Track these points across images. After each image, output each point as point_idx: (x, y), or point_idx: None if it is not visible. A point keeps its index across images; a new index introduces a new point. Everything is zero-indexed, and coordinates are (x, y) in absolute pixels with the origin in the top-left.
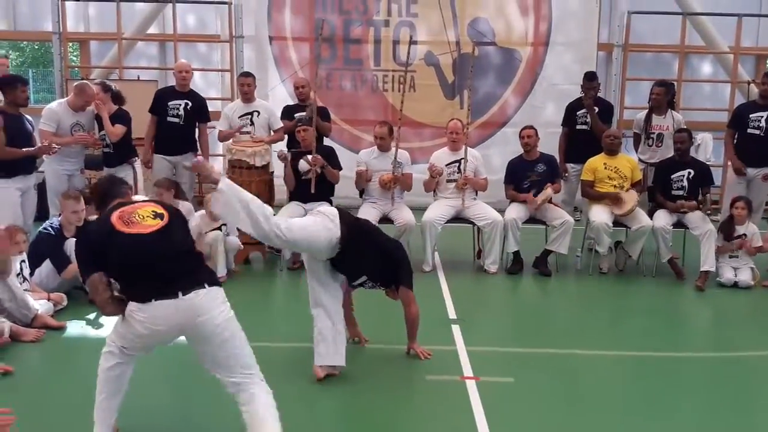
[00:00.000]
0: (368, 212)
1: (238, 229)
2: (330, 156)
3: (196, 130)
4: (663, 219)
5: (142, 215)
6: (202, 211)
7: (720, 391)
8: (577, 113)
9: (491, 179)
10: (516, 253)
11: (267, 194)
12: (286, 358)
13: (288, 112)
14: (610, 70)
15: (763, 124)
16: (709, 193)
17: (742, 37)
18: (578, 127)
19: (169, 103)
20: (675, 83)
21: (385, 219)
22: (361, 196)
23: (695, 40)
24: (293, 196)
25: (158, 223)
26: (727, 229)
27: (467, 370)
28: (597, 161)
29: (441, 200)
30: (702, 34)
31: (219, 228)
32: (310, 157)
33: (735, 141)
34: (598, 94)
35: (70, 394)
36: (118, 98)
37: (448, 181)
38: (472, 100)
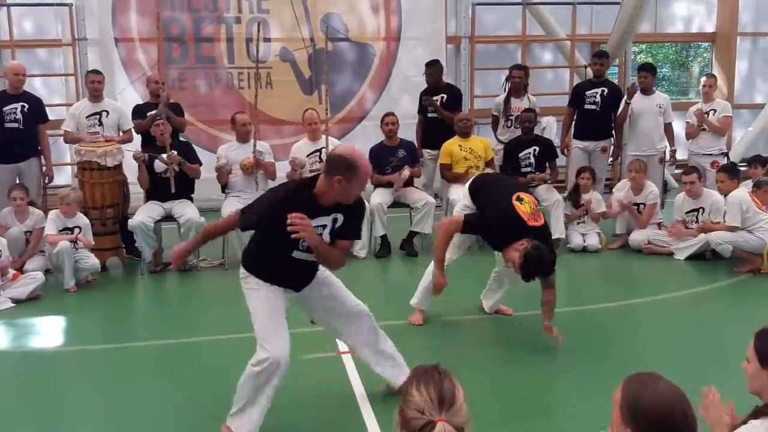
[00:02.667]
0: (232, 205)
1: (93, 234)
2: (187, 151)
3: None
4: None
5: None
6: (52, 214)
7: (574, 340)
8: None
9: None
10: (383, 237)
11: (121, 195)
12: (163, 356)
13: (139, 112)
14: (459, 61)
15: (598, 99)
16: (555, 166)
17: (577, 25)
18: (429, 114)
19: (4, 108)
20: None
21: None
22: (223, 191)
23: (536, 30)
24: (151, 196)
25: None
26: (574, 198)
27: (342, 345)
28: (452, 144)
29: None
30: (541, 24)
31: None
32: (165, 155)
33: (575, 119)
34: (449, 81)
35: None
36: None
37: (311, 171)
38: (330, 95)
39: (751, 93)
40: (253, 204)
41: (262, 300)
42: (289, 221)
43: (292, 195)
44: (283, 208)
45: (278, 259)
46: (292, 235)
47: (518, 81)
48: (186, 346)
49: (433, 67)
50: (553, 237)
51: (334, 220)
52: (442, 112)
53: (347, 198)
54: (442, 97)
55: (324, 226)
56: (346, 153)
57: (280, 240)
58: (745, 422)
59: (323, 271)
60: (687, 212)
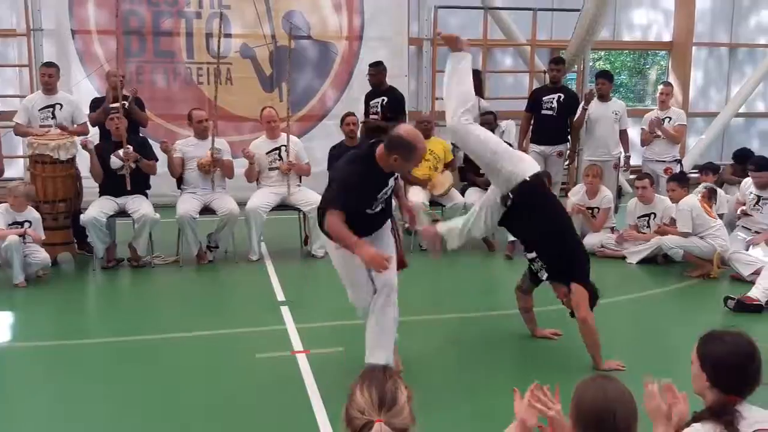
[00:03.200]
0: (188, 202)
1: (45, 228)
2: (144, 147)
3: None
4: (474, 196)
5: None
6: (1, 208)
7: (529, 342)
8: (370, 102)
9: (315, 171)
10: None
11: (74, 190)
12: (116, 354)
13: (96, 105)
14: (420, 63)
15: (554, 104)
16: None
17: (537, 31)
18: (371, 116)
19: None
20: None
21: (207, 209)
22: (179, 187)
23: (497, 34)
24: (105, 190)
25: None
26: None
27: (297, 345)
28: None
29: (264, 188)
30: (502, 28)
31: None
32: (121, 152)
33: (532, 124)
34: (412, 82)
35: None
36: None
37: (271, 169)
38: (291, 93)
39: (706, 102)
40: (339, 187)
41: (338, 257)
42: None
43: (366, 173)
44: (362, 182)
45: (354, 218)
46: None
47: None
48: (139, 344)
49: (376, 68)
50: (509, 239)
51: (395, 180)
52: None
53: (400, 172)
54: (383, 100)
55: (390, 188)
56: (408, 136)
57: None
58: (688, 424)
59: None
60: (639, 217)
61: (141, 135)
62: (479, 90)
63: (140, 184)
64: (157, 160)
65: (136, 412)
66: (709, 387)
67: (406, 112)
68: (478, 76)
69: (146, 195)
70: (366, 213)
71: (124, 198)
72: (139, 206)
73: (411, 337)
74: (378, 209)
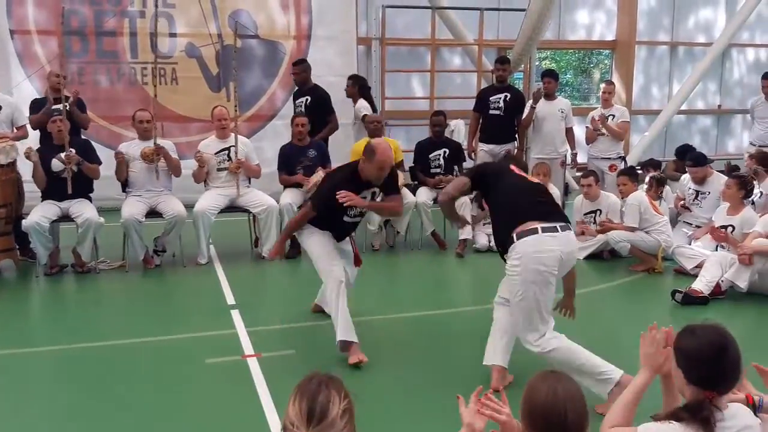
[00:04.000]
0: (133, 205)
1: None
2: (87, 150)
3: None
4: (424, 195)
5: None
6: None
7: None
8: (296, 101)
9: (265, 171)
10: (293, 238)
11: (14, 195)
12: (60, 362)
13: (37, 107)
14: (370, 62)
15: (501, 104)
16: (462, 169)
17: (484, 30)
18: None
19: None
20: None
21: (153, 212)
22: (124, 190)
23: (445, 34)
24: (47, 195)
25: None
26: (479, 200)
27: (248, 348)
28: (362, 145)
29: (213, 190)
30: (450, 28)
31: None
32: (63, 155)
33: (480, 123)
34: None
35: None
36: None
37: (219, 169)
38: (239, 92)
39: (648, 99)
40: (318, 192)
41: (316, 241)
42: (339, 197)
43: (342, 178)
44: (336, 189)
45: (333, 222)
46: (345, 204)
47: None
48: (84, 352)
49: (299, 66)
50: (460, 237)
51: (374, 193)
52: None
53: (370, 176)
54: (307, 99)
55: (366, 197)
56: (375, 143)
57: (334, 210)
58: (668, 418)
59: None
60: (585, 214)
61: (84, 137)
62: (367, 96)
63: (83, 187)
64: (100, 163)
65: (82, 423)
66: (686, 383)
67: (334, 111)
68: (365, 87)
69: (90, 199)
70: (343, 219)
71: (67, 202)
72: (83, 210)
73: (362, 337)
74: (356, 218)
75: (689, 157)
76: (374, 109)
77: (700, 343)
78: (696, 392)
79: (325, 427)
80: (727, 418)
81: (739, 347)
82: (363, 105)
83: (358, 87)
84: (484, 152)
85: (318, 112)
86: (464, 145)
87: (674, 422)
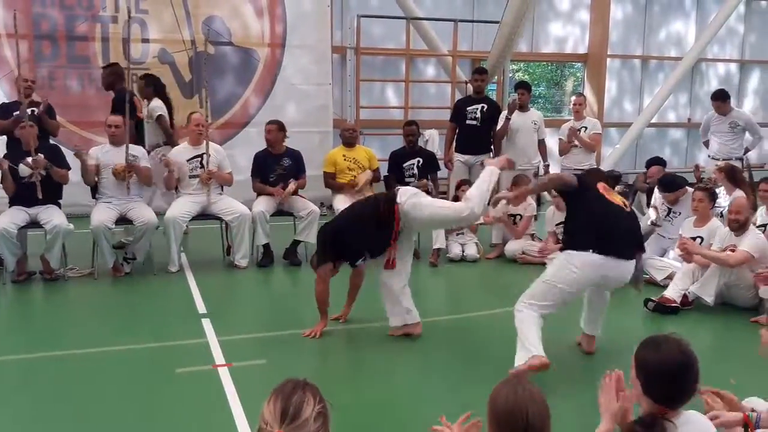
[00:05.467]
0: (103, 212)
1: None
2: (55, 155)
3: None
4: None
5: None
6: None
7: (452, 346)
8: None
9: (238, 179)
10: (266, 246)
11: None
12: (27, 371)
13: (5, 110)
14: (345, 71)
15: (478, 115)
16: (437, 178)
17: (459, 41)
18: None
19: None
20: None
21: (124, 219)
22: (94, 196)
23: (420, 44)
24: (15, 201)
25: None
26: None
27: (219, 358)
28: (336, 153)
29: (185, 197)
30: (424, 39)
31: None
32: (30, 159)
33: (456, 134)
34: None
35: None
36: None
37: (191, 176)
38: (210, 99)
39: (620, 112)
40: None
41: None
42: None
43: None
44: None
45: None
46: None
47: None
48: (52, 360)
49: (105, 70)
50: (434, 247)
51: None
52: None
53: None
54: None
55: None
56: None
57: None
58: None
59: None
60: (556, 224)
61: (53, 143)
62: (162, 95)
63: (52, 193)
64: (69, 168)
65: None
66: (642, 395)
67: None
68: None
69: (59, 205)
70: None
71: (35, 208)
72: (51, 216)
73: (336, 345)
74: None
75: (660, 182)
76: (169, 108)
77: (662, 360)
78: (651, 405)
79: (298, 426)
80: (681, 425)
81: (699, 364)
82: (157, 105)
83: (153, 87)
84: (460, 162)
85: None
86: (439, 155)
87: None
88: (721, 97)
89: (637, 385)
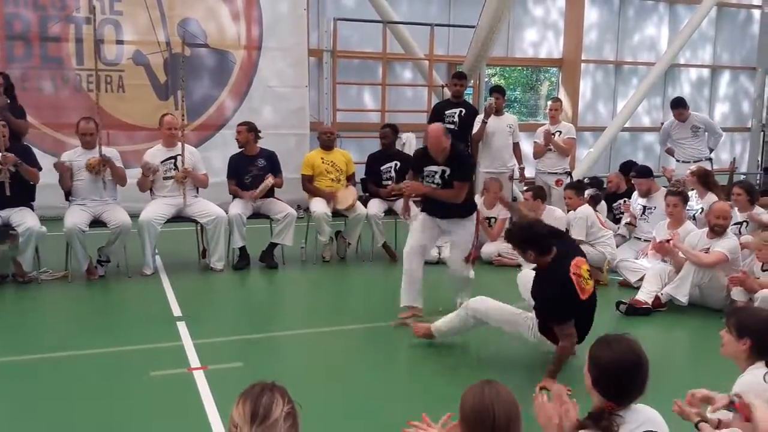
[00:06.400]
0: (77, 215)
1: None
2: (26, 155)
3: None
4: (376, 207)
5: None
6: None
7: (433, 347)
8: None
9: (213, 181)
10: (242, 249)
11: None
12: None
13: None
14: (321, 74)
15: (456, 119)
16: None
17: (435, 46)
18: None
19: None
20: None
21: (97, 222)
22: (67, 198)
23: (397, 48)
24: None
25: None
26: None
27: (194, 361)
28: (314, 156)
29: (159, 199)
30: (401, 42)
31: None
32: None
33: None
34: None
35: None
36: None
37: (165, 178)
38: (187, 101)
39: (594, 116)
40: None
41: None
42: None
43: (417, 153)
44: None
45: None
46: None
47: None
48: (24, 364)
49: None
50: None
51: (443, 171)
52: None
53: (432, 152)
54: None
55: (435, 173)
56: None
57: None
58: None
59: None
60: None
61: (25, 143)
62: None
63: (24, 195)
64: (40, 168)
65: None
66: (592, 388)
67: None
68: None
69: (32, 207)
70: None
71: (7, 210)
72: (24, 219)
73: (314, 348)
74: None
75: (635, 169)
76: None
77: (613, 358)
78: (600, 400)
79: (268, 426)
80: (628, 416)
81: (650, 365)
82: None
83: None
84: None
85: None
86: None
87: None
88: (682, 104)
89: (587, 379)
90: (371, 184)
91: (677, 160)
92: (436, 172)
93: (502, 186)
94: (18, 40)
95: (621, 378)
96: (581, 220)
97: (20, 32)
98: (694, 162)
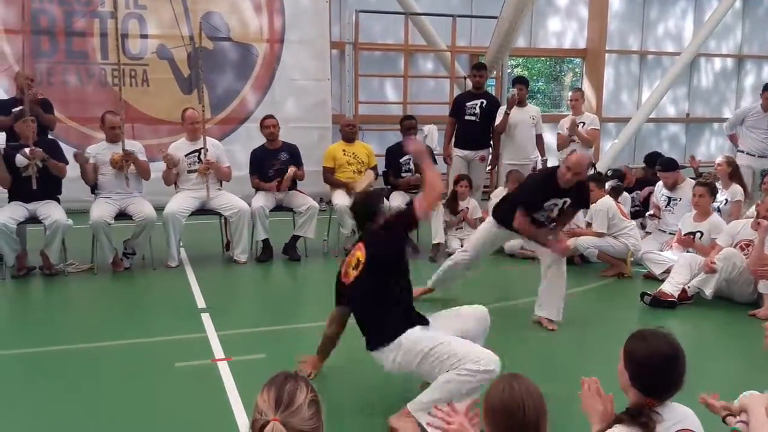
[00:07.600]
0: (103, 208)
1: None
2: (54, 149)
3: None
4: (398, 199)
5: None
6: None
7: None
8: None
9: (237, 175)
10: (265, 241)
11: None
12: (28, 365)
13: (3, 107)
14: (343, 66)
15: (477, 110)
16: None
17: (457, 37)
18: None
19: None
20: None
21: (123, 214)
22: (93, 192)
23: (418, 40)
24: (13, 196)
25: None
26: (452, 205)
27: (218, 352)
28: (336, 148)
29: (183, 192)
30: (423, 34)
31: None
32: (27, 150)
33: (456, 129)
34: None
35: None
36: None
37: (189, 171)
38: (207, 94)
39: (618, 107)
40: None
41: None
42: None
43: (543, 181)
44: (531, 191)
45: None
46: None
47: None
48: (52, 355)
49: None
50: (433, 242)
51: (565, 203)
52: None
53: (569, 182)
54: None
55: (556, 206)
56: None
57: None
58: (612, 425)
59: None
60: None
61: (51, 137)
62: None
63: (51, 188)
64: (67, 163)
65: (48, 427)
66: (630, 385)
67: None
68: None
69: (58, 200)
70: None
71: (34, 204)
72: (51, 212)
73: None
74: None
75: (660, 162)
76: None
77: (650, 352)
78: (638, 396)
79: (292, 412)
80: (666, 414)
81: (687, 358)
82: None
83: None
84: (459, 158)
85: None
86: (438, 150)
87: (617, 426)
88: None
89: (624, 376)
90: (392, 177)
91: (740, 151)
92: (557, 205)
93: (523, 177)
94: (44, 34)
95: (660, 372)
96: (602, 212)
97: (46, 27)
98: (759, 157)
